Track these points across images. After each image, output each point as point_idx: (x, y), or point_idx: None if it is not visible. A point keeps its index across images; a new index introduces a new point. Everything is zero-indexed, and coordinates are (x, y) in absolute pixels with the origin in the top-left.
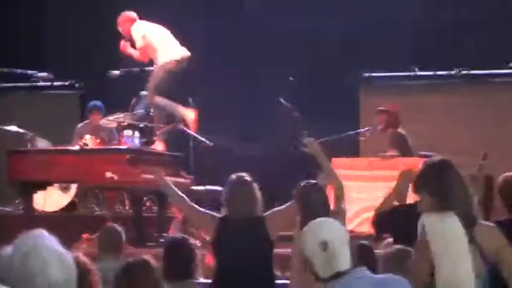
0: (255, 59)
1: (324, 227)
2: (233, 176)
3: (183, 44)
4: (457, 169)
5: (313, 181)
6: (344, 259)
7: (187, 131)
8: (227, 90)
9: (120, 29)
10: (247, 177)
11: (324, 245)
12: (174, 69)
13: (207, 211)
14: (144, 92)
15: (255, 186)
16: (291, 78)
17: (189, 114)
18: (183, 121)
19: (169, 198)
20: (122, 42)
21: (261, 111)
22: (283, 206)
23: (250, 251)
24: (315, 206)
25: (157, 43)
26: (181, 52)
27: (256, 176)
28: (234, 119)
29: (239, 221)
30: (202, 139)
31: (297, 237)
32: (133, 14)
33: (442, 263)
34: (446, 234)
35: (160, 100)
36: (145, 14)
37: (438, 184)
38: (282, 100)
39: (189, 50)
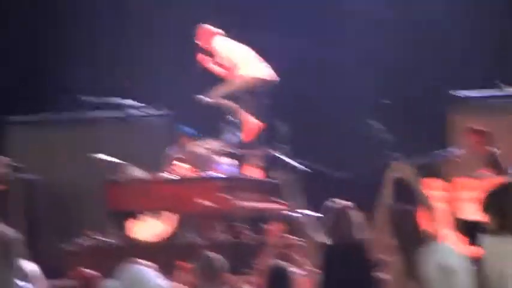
0: (346, 81)
1: (446, 252)
2: (332, 203)
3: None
4: None
5: (405, 204)
6: (463, 285)
7: (281, 156)
8: (318, 113)
9: (199, 41)
10: (347, 203)
11: (445, 269)
12: (256, 87)
13: (314, 237)
14: (235, 119)
15: (355, 211)
16: (384, 101)
17: (251, 123)
18: (242, 127)
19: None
20: (201, 55)
21: (352, 134)
22: (377, 230)
23: (354, 277)
24: (408, 229)
25: (240, 59)
26: (267, 72)
27: (349, 199)
28: (326, 142)
29: (342, 247)
30: (295, 164)
31: (393, 262)
32: (214, 28)
33: (496, 284)
34: (502, 256)
35: (224, 101)
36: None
37: (501, 206)
38: (372, 122)
39: (278, 72)
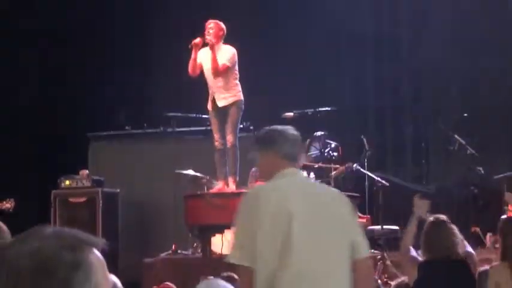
0: (428, 96)
1: None
2: (430, 218)
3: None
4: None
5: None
6: None
7: (363, 171)
8: (400, 128)
9: (209, 30)
10: (445, 218)
11: None
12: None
13: (411, 253)
14: (319, 133)
15: (453, 227)
16: (465, 115)
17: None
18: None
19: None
20: (198, 40)
21: (435, 148)
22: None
23: None
24: None
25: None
26: None
27: (432, 214)
28: (407, 157)
29: (439, 263)
30: (377, 178)
31: (492, 272)
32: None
33: None
34: None
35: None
36: None
37: None
38: (456, 137)
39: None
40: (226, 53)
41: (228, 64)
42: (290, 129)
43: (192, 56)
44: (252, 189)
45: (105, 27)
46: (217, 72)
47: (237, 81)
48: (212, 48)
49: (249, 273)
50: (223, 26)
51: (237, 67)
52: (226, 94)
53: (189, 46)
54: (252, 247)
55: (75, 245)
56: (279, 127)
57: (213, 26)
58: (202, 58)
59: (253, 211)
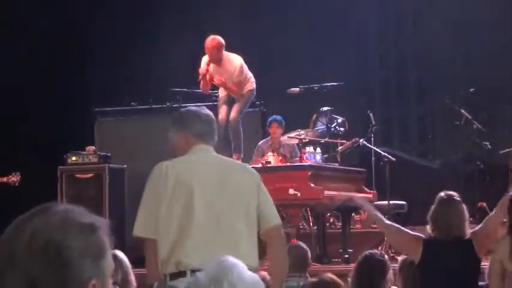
0: (433, 71)
1: None
2: (441, 194)
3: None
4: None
5: None
6: None
7: (369, 146)
8: (407, 103)
9: (210, 53)
10: (456, 196)
11: None
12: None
13: (410, 232)
14: (325, 108)
15: (463, 205)
16: (471, 90)
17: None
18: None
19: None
20: (204, 69)
21: (440, 123)
22: (483, 224)
23: (458, 271)
24: None
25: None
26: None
27: (438, 189)
28: (414, 132)
29: (446, 241)
30: (385, 154)
31: (497, 247)
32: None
33: None
34: None
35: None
36: None
37: None
38: (463, 111)
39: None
40: (235, 68)
41: (241, 79)
42: (203, 110)
43: (202, 83)
44: (160, 164)
45: (110, 2)
46: (237, 92)
47: (250, 74)
48: (225, 88)
49: (153, 244)
50: (221, 41)
51: (247, 68)
52: (243, 91)
53: (198, 80)
54: (155, 219)
55: (92, 223)
56: (193, 108)
57: (211, 50)
58: (212, 70)
59: (158, 184)
